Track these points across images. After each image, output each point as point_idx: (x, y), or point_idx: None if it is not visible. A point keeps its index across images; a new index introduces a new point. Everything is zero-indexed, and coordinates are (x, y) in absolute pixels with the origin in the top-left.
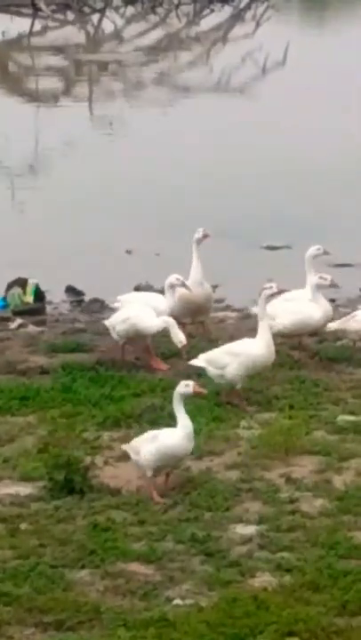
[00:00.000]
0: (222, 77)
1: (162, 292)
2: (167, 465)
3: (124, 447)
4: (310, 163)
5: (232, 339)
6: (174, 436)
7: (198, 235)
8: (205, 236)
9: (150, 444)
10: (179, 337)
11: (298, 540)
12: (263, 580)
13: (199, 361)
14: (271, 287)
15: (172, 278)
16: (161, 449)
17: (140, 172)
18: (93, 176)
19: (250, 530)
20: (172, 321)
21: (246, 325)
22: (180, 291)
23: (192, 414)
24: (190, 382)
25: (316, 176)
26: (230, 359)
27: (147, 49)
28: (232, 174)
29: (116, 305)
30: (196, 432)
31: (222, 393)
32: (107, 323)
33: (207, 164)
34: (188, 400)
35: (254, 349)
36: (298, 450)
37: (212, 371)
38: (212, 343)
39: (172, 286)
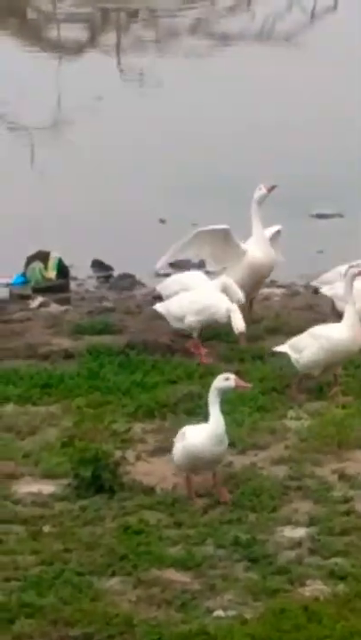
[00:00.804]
0: (266, 24)
1: (200, 266)
2: (196, 466)
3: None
4: None
5: (278, 317)
6: (201, 436)
7: (261, 191)
8: (272, 188)
9: (179, 442)
10: (239, 324)
11: (353, 544)
12: (314, 588)
13: (283, 347)
14: (359, 265)
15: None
16: (187, 448)
17: (174, 131)
18: (122, 136)
19: (299, 533)
20: (235, 306)
21: (294, 303)
22: (250, 255)
23: (234, 403)
24: (231, 375)
25: None
26: (309, 342)
27: None
28: (276, 134)
29: (160, 290)
30: (239, 423)
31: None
32: (161, 310)
33: (248, 122)
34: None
35: (337, 333)
36: (352, 443)
37: (293, 355)
38: (257, 323)
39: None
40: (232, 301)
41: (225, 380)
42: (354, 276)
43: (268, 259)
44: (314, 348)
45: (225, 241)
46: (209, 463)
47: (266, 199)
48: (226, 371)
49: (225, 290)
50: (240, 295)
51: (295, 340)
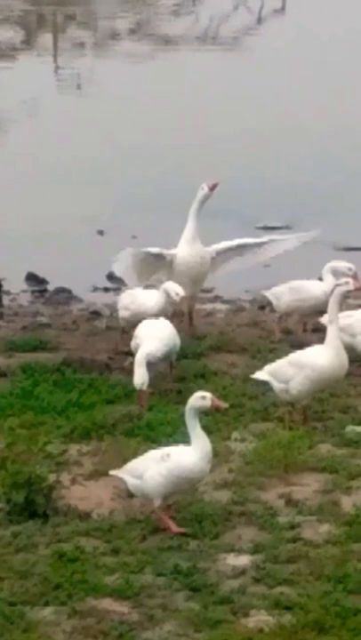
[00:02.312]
0: (210, 27)
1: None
2: (179, 490)
3: (115, 474)
4: (312, 131)
5: (221, 335)
6: (190, 456)
7: (203, 190)
8: (214, 186)
9: (159, 465)
10: (177, 288)
11: (299, 572)
12: (259, 619)
13: (263, 374)
14: (347, 283)
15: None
16: (174, 471)
17: (113, 138)
18: (58, 143)
19: (243, 560)
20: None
21: (239, 320)
22: (178, 257)
23: (176, 424)
24: (207, 394)
25: (320, 146)
26: (293, 372)
27: None
28: (220, 142)
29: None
30: (179, 445)
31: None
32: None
33: (191, 130)
34: (169, 408)
35: (321, 360)
36: (299, 466)
37: (276, 385)
38: (199, 340)
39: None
40: (172, 299)
41: (201, 399)
42: (342, 295)
43: (195, 257)
44: (300, 378)
45: (156, 261)
46: (192, 485)
47: (208, 200)
48: (165, 391)
49: (165, 291)
50: (178, 289)
51: (275, 367)
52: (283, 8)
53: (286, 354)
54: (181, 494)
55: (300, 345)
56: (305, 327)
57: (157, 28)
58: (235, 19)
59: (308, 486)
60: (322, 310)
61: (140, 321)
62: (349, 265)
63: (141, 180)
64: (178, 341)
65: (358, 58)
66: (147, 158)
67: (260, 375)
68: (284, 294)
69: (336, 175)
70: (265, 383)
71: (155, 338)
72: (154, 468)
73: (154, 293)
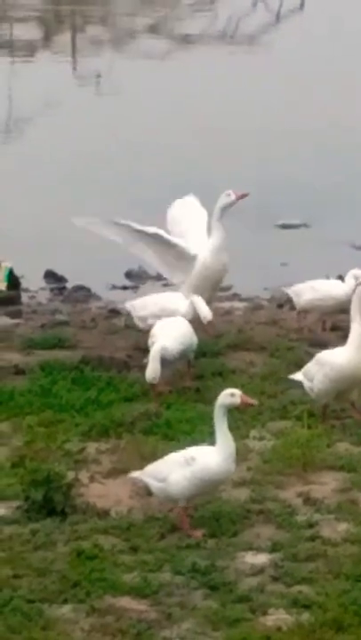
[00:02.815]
0: (229, 25)
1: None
2: (204, 492)
3: (137, 476)
4: (333, 127)
5: (240, 333)
6: (215, 458)
7: (229, 198)
8: (242, 196)
9: (183, 469)
10: (204, 311)
11: (318, 570)
12: (277, 617)
13: (298, 375)
14: None
15: None
16: (198, 474)
17: (132, 136)
18: (78, 141)
19: (261, 559)
20: (197, 296)
21: (258, 318)
22: (201, 261)
23: (193, 422)
24: (236, 391)
25: (339, 144)
26: (316, 370)
27: None
28: (239, 140)
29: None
30: (198, 443)
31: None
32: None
33: (211, 127)
34: (188, 406)
35: (340, 358)
36: (318, 465)
37: (306, 384)
38: (218, 338)
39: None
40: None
41: (230, 397)
42: None
43: (220, 267)
44: (320, 376)
45: (170, 247)
46: (218, 487)
47: (231, 207)
48: (184, 390)
49: (193, 305)
50: (207, 313)
51: (307, 366)
52: (302, 5)
53: (305, 352)
54: (206, 496)
55: (320, 344)
56: (324, 326)
57: (176, 26)
58: (253, 17)
59: (326, 485)
60: (343, 310)
61: None
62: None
63: (159, 179)
64: (195, 340)
65: None
66: (163, 157)
67: (296, 376)
68: (305, 292)
69: (355, 174)
70: (291, 383)
71: (170, 336)
72: (178, 472)
73: (179, 298)
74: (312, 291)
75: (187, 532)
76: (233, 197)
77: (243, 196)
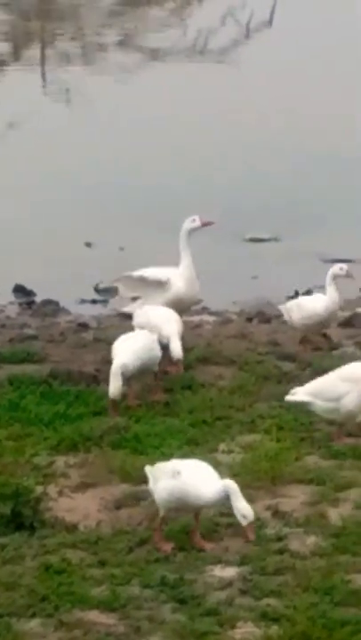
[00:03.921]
0: (198, 40)
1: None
2: (185, 509)
3: (147, 470)
4: (301, 143)
5: (209, 347)
6: (199, 478)
7: (194, 223)
8: (208, 223)
9: (167, 480)
10: (176, 350)
11: (286, 584)
12: (245, 631)
13: (300, 395)
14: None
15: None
16: (174, 492)
17: (100, 151)
18: (46, 155)
19: (230, 572)
20: (175, 332)
21: (227, 331)
22: (174, 288)
23: (162, 436)
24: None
25: (307, 159)
26: (347, 387)
27: (109, 5)
28: (209, 155)
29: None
30: (168, 456)
31: (335, 433)
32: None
33: (179, 142)
34: (157, 420)
35: None
36: (287, 478)
37: (321, 405)
38: (187, 352)
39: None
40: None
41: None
42: None
43: (192, 292)
44: (355, 392)
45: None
46: (201, 508)
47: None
48: (152, 403)
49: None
50: (178, 351)
51: (318, 385)
52: (270, 21)
53: (273, 366)
54: (192, 512)
55: (288, 357)
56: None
57: (145, 40)
58: (223, 32)
59: (295, 498)
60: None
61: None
62: (340, 265)
63: (129, 193)
64: (156, 353)
65: (345, 70)
66: (133, 170)
67: (297, 397)
68: (293, 311)
69: (323, 187)
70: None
71: (129, 350)
72: (163, 482)
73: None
74: (298, 309)
75: (156, 545)
76: (198, 223)
77: (208, 224)
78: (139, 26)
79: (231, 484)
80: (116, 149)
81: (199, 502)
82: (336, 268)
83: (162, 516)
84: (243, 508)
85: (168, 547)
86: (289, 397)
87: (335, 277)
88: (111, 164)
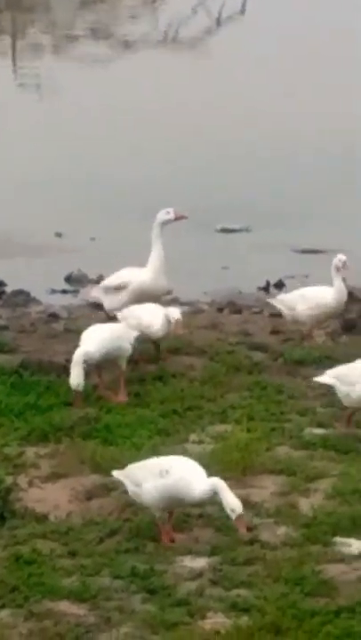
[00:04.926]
0: (170, 30)
1: (99, 282)
2: (178, 505)
3: (117, 476)
4: (270, 133)
5: (180, 337)
6: (189, 476)
7: (168, 216)
8: (181, 217)
9: (156, 480)
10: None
11: (257, 574)
12: (216, 621)
13: (326, 378)
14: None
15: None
16: (166, 491)
17: (71, 142)
18: (17, 147)
19: (200, 563)
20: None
21: (198, 322)
22: (138, 280)
23: (133, 426)
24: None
25: (278, 149)
26: None
27: None
28: (180, 146)
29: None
30: (138, 447)
31: (341, 420)
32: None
33: (150, 133)
34: (127, 410)
35: None
36: (257, 468)
37: (341, 388)
38: (158, 343)
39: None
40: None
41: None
42: None
43: (156, 286)
44: None
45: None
46: (192, 500)
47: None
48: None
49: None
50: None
51: (344, 370)
52: (242, 10)
53: (244, 356)
54: (182, 506)
55: (260, 347)
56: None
57: (117, 30)
58: (194, 21)
59: (265, 489)
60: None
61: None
62: (339, 256)
63: (100, 183)
64: (126, 345)
65: (316, 58)
66: (104, 160)
67: (324, 379)
68: (297, 303)
69: (294, 178)
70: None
71: (94, 339)
72: (151, 482)
73: (154, 309)
74: (304, 300)
75: (162, 540)
76: (172, 216)
77: (181, 218)
78: (110, 16)
79: (218, 481)
80: (87, 139)
81: (190, 500)
82: (336, 259)
83: (159, 516)
84: (231, 503)
85: (172, 543)
86: (317, 378)
87: (338, 268)
88: (82, 154)
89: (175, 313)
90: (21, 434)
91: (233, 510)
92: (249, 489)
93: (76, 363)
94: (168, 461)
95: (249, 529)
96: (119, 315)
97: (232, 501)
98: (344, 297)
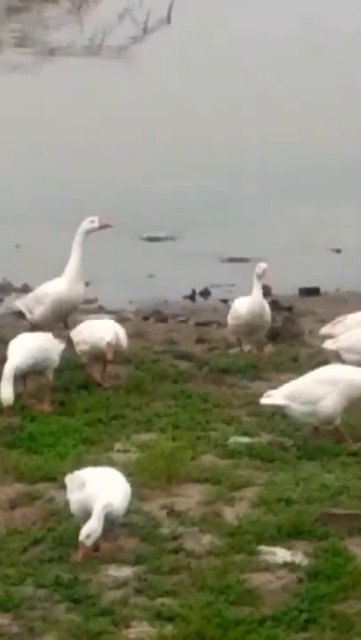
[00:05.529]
0: (95, 38)
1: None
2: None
3: (67, 479)
4: (202, 140)
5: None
6: (101, 490)
7: (92, 224)
8: (106, 226)
9: (76, 492)
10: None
11: (182, 583)
12: (140, 630)
13: (276, 398)
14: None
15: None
16: (79, 504)
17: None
18: None
19: (125, 572)
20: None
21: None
22: (53, 290)
23: (57, 435)
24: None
25: (204, 156)
26: (326, 389)
27: (4, 3)
28: (106, 154)
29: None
30: (63, 456)
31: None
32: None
33: (77, 140)
34: (52, 419)
35: (357, 374)
36: (183, 477)
37: (297, 408)
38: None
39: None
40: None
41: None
42: None
43: (72, 295)
44: (335, 395)
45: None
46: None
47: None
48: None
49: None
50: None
51: (296, 388)
52: (168, 19)
53: (169, 365)
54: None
55: (185, 356)
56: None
57: (42, 38)
58: (121, 29)
59: (190, 497)
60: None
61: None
62: (259, 264)
63: (26, 191)
64: (52, 356)
65: (243, 65)
66: (31, 168)
67: (273, 400)
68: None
69: (220, 186)
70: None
71: (21, 349)
72: (74, 493)
73: (108, 325)
74: (231, 310)
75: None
76: (96, 225)
77: (106, 226)
78: (36, 24)
79: (103, 502)
80: (14, 148)
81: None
82: (257, 267)
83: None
84: (88, 529)
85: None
86: (264, 400)
87: (259, 276)
88: (9, 163)
89: (108, 335)
90: None
91: (87, 537)
92: (174, 497)
93: (7, 378)
94: (91, 473)
95: (174, 538)
96: (72, 332)
97: (89, 527)
98: (258, 307)
